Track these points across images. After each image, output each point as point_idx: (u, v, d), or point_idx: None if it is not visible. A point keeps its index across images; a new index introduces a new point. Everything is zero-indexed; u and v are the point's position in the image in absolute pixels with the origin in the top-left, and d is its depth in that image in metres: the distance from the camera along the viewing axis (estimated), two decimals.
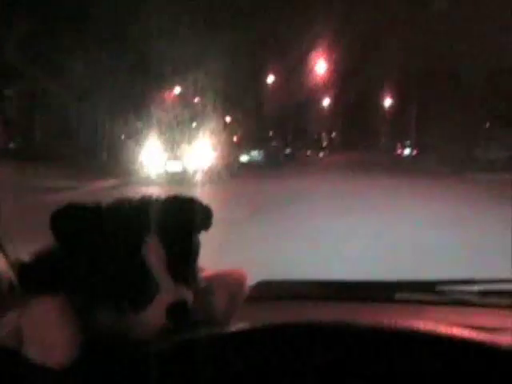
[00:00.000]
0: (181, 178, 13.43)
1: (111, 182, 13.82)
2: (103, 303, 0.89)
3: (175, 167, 14.27)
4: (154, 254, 0.89)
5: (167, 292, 0.88)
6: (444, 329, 0.80)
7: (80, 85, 15.44)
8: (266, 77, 33.26)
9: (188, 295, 0.90)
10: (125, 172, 13.99)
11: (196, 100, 17.43)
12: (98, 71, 15.34)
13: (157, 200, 0.97)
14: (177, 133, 14.45)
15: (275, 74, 36.58)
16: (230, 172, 16.11)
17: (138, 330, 0.88)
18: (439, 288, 1.48)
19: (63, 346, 0.83)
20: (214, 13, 19.71)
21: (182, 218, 0.95)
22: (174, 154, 14.41)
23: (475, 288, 1.46)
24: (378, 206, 10.61)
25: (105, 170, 14.56)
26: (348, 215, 9.02)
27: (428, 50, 28.53)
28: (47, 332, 0.83)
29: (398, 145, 45.49)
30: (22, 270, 1.00)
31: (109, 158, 15.02)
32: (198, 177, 13.79)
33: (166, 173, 14.02)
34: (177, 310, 0.87)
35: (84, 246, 0.88)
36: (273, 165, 22.19)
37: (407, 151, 41.62)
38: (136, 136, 14.55)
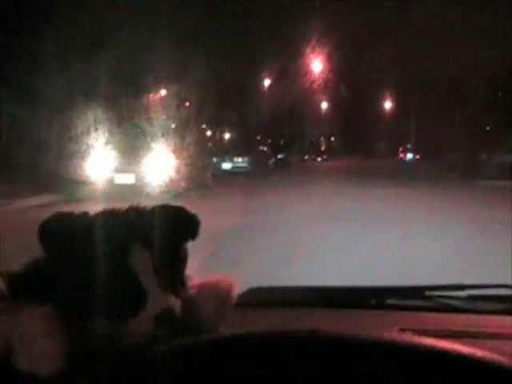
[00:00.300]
0: (132, 192, 10.47)
1: (47, 198, 10.87)
2: (92, 313, 0.86)
3: (127, 179, 11.35)
4: (141, 263, 0.86)
5: (155, 301, 0.86)
6: (420, 340, 0.77)
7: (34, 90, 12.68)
8: (259, 79, 30.87)
9: (176, 304, 0.88)
10: (68, 186, 11.10)
11: (175, 104, 14.99)
12: (51, 76, 12.64)
13: (144, 209, 0.93)
14: (131, 140, 11.57)
15: (270, 75, 34.60)
16: (201, 184, 13.20)
17: (126, 339, 0.86)
18: (428, 293, 1.45)
19: (52, 356, 0.82)
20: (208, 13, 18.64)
21: (170, 227, 0.91)
22: (126, 165, 11.43)
23: (464, 293, 1.43)
24: (385, 231, 7.98)
25: (46, 184, 11.60)
26: (352, 246, 6.74)
27: (428, 52, 27.63)
28: (36, 342, 0.82)
29: (400, 149, 43.37)
30: (12, 280, 0.96)
31: (54, 169, 12.06)
32: (155, 190, 10.81)
33: (115, 186, 11.08)
34: (165, 319, 0.86)
35: (72, 256, 0.87)
36: (259, 173, 19.08)
37: (410, 156, 39.21)
38: (85, 144, 11.63)
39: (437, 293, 1.46)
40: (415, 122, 40.76)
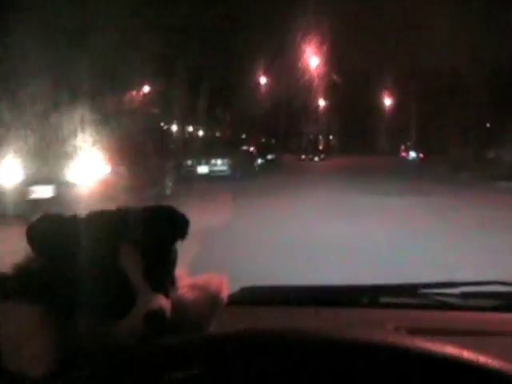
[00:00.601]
0: (49, 209, 7.41)
1: None
2: (81, 313, 0.85)
3: (43, 192, 8.35)
4: (131, 263, 0.85)
5: (145, 300, 0.85)
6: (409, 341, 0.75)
7: None
8: (249, 73, 28.43)
9: (166, 304, 0.87)
10: None
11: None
12: None
13: (134, 209, 0.91)
14: (52, 142, 8.55)
15: (263, 70, 32.79)
16: (158, 194, 10.18)
17: (116, 339, 0.84)
18: (421, 291, 1.43)
19: (42, 357, 0.81)
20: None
21: (159, 227, 0.89)
22: (44, 174, 8.37)
23: (457, 290, 1.39)
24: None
25: None
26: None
27: (427, 48, 26.77)
28: (25, 343, 0.81)
29: (402, 147, 40.86)
30: (1, 280, 0.91)
31: None
32: (78, 206, 7.76)
33: (29, 201, 8.06)
34: (154, 318, 0.84)
35: (60, 257, 0.85)
36: (241, 178, 15.89)
37: (413, 154, 36.36)
38: None
39: (430, 290, 1.43)
40: (416, 118, 38.88)
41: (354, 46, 34.94)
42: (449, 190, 14.10)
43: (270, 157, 23.46)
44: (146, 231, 0.86)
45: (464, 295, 1.38)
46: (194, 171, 16.24)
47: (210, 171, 16.48)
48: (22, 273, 0.89)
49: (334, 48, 34.09)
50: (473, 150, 29.51)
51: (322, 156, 36.33)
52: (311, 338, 0.76)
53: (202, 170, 16.51)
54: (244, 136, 23.30)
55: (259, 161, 21.13)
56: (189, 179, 14.35)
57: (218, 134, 24.70)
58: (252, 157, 20.16)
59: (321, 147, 42.22)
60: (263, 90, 32.62)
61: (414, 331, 1.08)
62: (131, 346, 0.80)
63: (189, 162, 16.49)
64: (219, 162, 16.75)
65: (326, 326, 0.86)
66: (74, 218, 0.87)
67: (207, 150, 17.34)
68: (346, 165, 28.32)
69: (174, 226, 0.90)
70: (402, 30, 27.96)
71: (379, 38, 35.55)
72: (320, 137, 45.35)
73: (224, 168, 16.69)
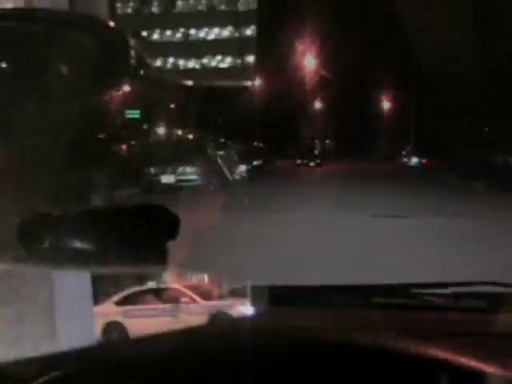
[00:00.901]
0: None
1: None
2: None
3: None
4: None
5: None
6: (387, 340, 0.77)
7: None
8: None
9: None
10: None
11: None
12: None
13: (123, 207, 0.90)
14: None
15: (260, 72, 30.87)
16: None
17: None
18: (413, 291, 1.42)
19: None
20: None
21: (149, 225, 0.87)
22: None
23: (448, 291, 1.38)
24: None
25: None
26: None
27: (426, 50, 25.60)
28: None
29: (403, 152, 38.30)
30: None
31: None
32: None
33: None
34: None
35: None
36: (216, 189, 12.92)
37: (415, 160, 33.68)
38: None
39: (422, 290, 1.42)
40: (415, 121, 37.08)
41: (351, 48, 33.31)
42: (468, 207, 11.38)
43: (256, 163, 20.53)
44: (137, 230, 0.85)
45: (455, 296, 1.36)
46: (158, 181, 13.25)
47: (177, 181, 13.42)
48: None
49: (331, 49, 32.13)
50: (478, 155, 27.70)
51: (318, 161, 33.60)
52: (307, 339, 0.78)
53: (168, 179, 13.45)
54: (223, 140, 20.38)
55: (242, 168, 18.18)
56: (147, 192, 11.39)
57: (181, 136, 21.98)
58: (232, 163, 17.18)
59: (316, 152, 39.51)
60: (257, 91, 30.14)
61: (406, 333, 1.06)
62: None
63: (151, 170, 13.51)
64: (188, 169, 13.68)
65: (321, 326, 0.89)
66: (65, 217, 0.86)
67: (174, 155, 14.34)
68: (343, 171, 25.76)
69: (165, 225, 0.86)
70: (401, 31, 27.18)
71: (377, 39, 34.07)
72: (316, 141, 42.69)
73: (193, 177, 13.63)
